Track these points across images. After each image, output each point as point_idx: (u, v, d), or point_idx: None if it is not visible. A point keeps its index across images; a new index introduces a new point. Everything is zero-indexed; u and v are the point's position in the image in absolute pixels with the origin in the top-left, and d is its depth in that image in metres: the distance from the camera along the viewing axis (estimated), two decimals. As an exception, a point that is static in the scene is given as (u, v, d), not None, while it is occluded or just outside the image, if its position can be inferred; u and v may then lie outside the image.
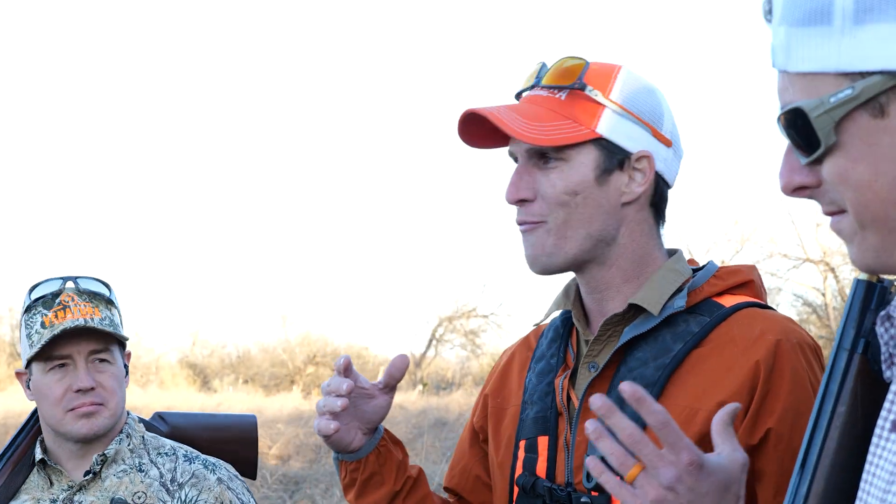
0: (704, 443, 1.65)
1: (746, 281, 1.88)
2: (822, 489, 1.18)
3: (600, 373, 1.83)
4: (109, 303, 2.57)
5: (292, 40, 39.73)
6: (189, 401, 22.67)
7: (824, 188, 1.14)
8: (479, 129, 1.89)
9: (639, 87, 1.86)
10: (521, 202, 1.85)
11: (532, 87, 1.88)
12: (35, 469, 2.56)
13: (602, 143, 1.82)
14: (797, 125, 1.11)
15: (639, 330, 1.81)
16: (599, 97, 1.82)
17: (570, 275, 1.96)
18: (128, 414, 2.64)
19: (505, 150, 1.92)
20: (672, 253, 1.93)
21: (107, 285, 2.61)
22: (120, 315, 2.60)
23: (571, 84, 1.82)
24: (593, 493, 1.79)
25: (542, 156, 1.83)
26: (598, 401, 1.41)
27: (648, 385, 1.77)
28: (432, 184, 40.99)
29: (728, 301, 1.84)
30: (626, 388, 1.42)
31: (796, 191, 1.16)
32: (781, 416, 1.74)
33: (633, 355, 1.82)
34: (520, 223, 1.86)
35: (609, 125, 1.82)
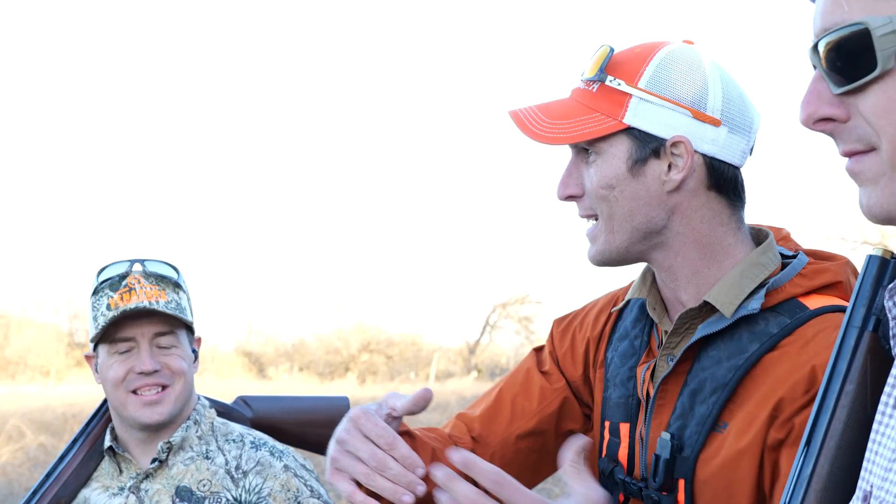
0: (756, 453, 1.64)
1: (835, 282, 1.77)
2: (826, 470, 1.15)
3: (674, 368, 1.77)
4: (177, 286, 2.53)
5: (348, 28, 39.76)
6: (245, 389, 22.77)
7: (852, 124, 1.07)
8: None
9: (677, 68, 1.78)
10: (569, 198, 1.83)
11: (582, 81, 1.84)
12: (105, 457, 2.54)
13: (633, 132, 1.76)
14: (848, 47, 1.03)
15: (711, 329, 1.74)
16: (623, 86, 1.77)
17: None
18: (199, 399, 2.61)
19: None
20: (760, 237, 1.85)
21: (175, 268, 2.57)
22: (189, 299, 2.56)
23: (593, 76, 1.79)
24: (662, 493, 1.74)
25: (585, 151, 1.81)
26: (439, 472, 1.39)
27: (719, 386, 1.70)
28: (486, 172, 40.90)
29: (813, 303, 1.74)
30: (456, 457, 1.40)
31: (819, 122, 1.08)
32: None
33: (707, 353, 1.75)
34: (583, 218, 1.84)
35: (637, 114, 1.76)
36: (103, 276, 2.53)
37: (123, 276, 2.51)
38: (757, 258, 1.78)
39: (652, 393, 1.81)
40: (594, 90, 1.79)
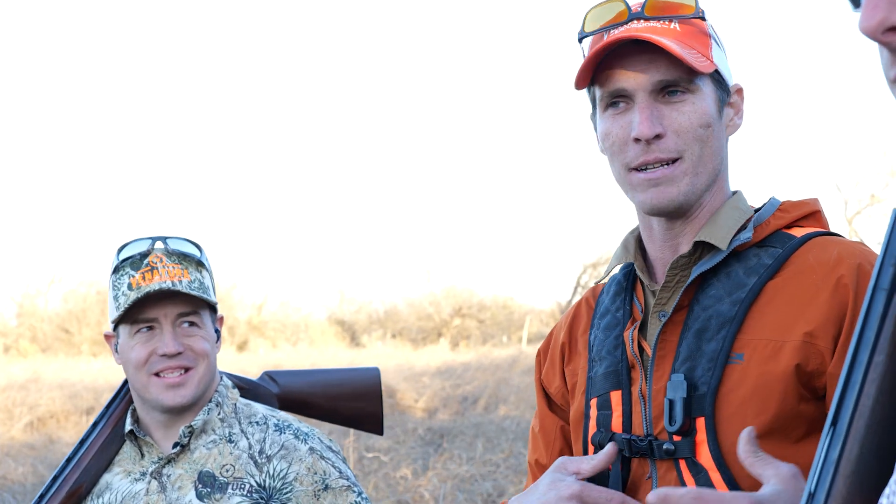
0: (791, 376, 1.65)
1: (813, 212, 1.82)
2: (856, 452, 1.01)
3: (671, 317, 1.76)
4: (200, 265, 2.45)
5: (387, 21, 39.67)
6: (336, 357, 22.97)
7: None
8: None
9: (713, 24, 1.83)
10: (655, 138, 1.75)
11: (627, 22, 1.77)
12: (127, 441, 2.47)
13: (714, 75, 1.78)
14: None
15: (707, 265, 1.75)
16: (710, 28, 1.80)
17: (628, 227, 1.91)
18: (221, 379, 2.53)
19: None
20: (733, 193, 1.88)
21: (198, 246, 2.49)
22: (211, 278, 2.49)
23: (693, 13, 1.77)
24: (676, 438, 1.71)
25: (666, 89, 1.75)
26: (653, 498, 1.37)
27: (726, 321, 1.70)
28: (572, 133, 40.60)
29: (798, 232, 1.78)
30: (652, 499, 1.37)
31: (888, 32, 0.95)
32: None
33: (705, 293, 1.75)
34: (650, 162, 1.75)
35: (717, 57, 1.79)
36: (124, 255, 2.45)
37: (145, 255, 2.43)
38: (735, 203, 1.82)
39: (649, 350, 1.79)
40: (676, 27, 1.77)
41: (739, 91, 1.84)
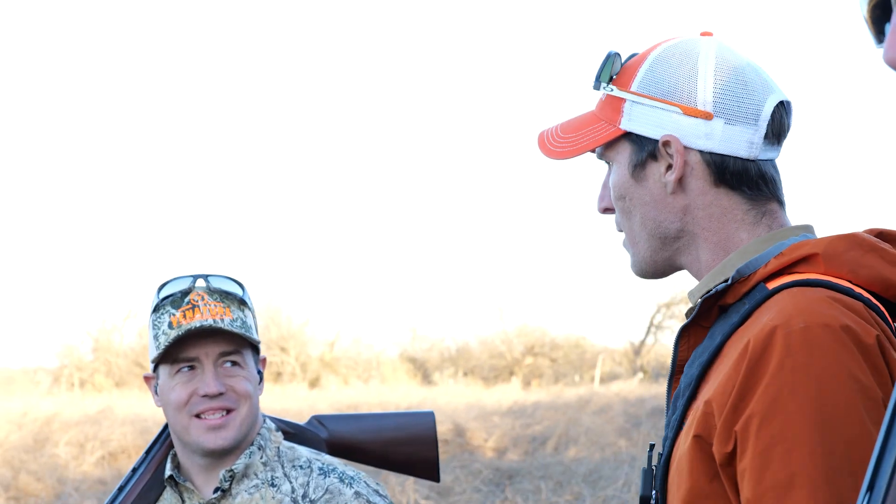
0: (695, 448, 1.51)
1: (810, 255, 1.57)
2: None
3: (675, 377, 1.70)
4: (242, 303, 2.39)
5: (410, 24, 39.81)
6: (408, 395, 22.90)
7: None
8: None
9: (667, 64, 1.70)
10: (606, 211, 1.78)
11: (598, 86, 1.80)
12: (167, 486, 2.40)
13: (631, 137, 1.71)
14: None
15: (686, 323, 1.66)
16: (616, 91, 1.72)
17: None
18: (263, 422, 2.44)
19: None
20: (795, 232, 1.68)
21: (240, 284, 2.43)
22: (254, 317, 2.42)
23: (595, 84, 1.76)
24: None
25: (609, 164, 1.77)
26: None
27: (688, 386, 1.60)
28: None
29: (777, 283, 1.57)
30: None
31: None
32: (753, 411, 1.46)
33: (694, 353, 1.65)
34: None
35: (631, 117, 1.71)
36: (164, 293, 2.39)
37: (186, 293, 2.37)
38: (753, 247, 1.65)
39: None
40: (603, 98, 1.75)
41: (670, 141, 1.67)
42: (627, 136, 1.71)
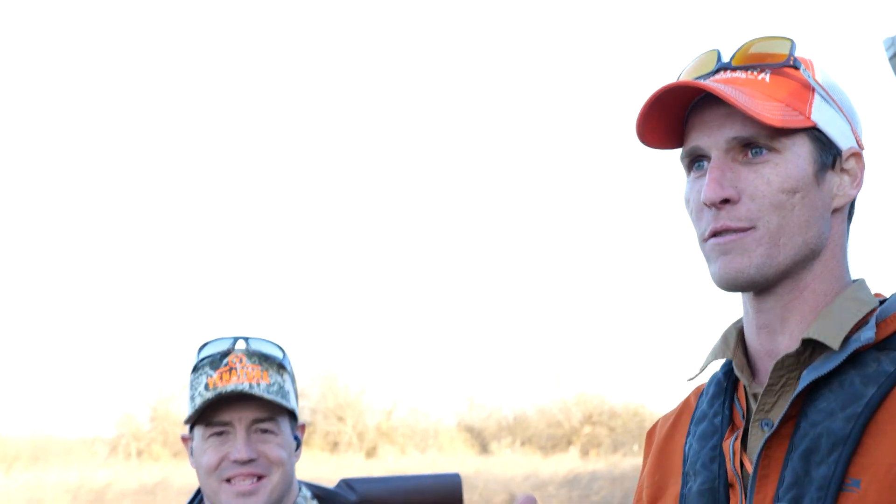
0: None
1: None
2: None
3: (776, 430, 1.51)
4: (281, 367, 2.37)
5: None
6: (465, 464, 22.73)
7: None
8: (657, 120, 1.60)
9: (833, 78, 1.60)
10: (724, 202, 1.53)
11: (715, 72, 1.59)
12: None
13: (815, 133, 1.54)
14: None
15: (820, 371, 1.48)
16: (811, 79, 1.55)
17: (732, 315, 1.66)
18: (300, 490, 2.42)
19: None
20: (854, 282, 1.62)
21: (281, 348, 2.42)
22: (293, 382, 2.41)
23: (783, 62, 1.55)
24: None
25: (746, 147, 1.54)
26: None
27: (839, 441, 1.45)
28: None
29: None
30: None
31: None
32: None
33: (814, 406, 1.49)
34: (719, 231, 1.54)
35: (821, 113, 1.55)
36: (204, 353, 2.39)
37: (225, 354, 2.36)
38: (855, 293, 1.56)
39: (749, 467, 1.54)
40: (765, 79, 1.56)
41: (856, 155, 1.58)
42: (809, 131, 1.55)
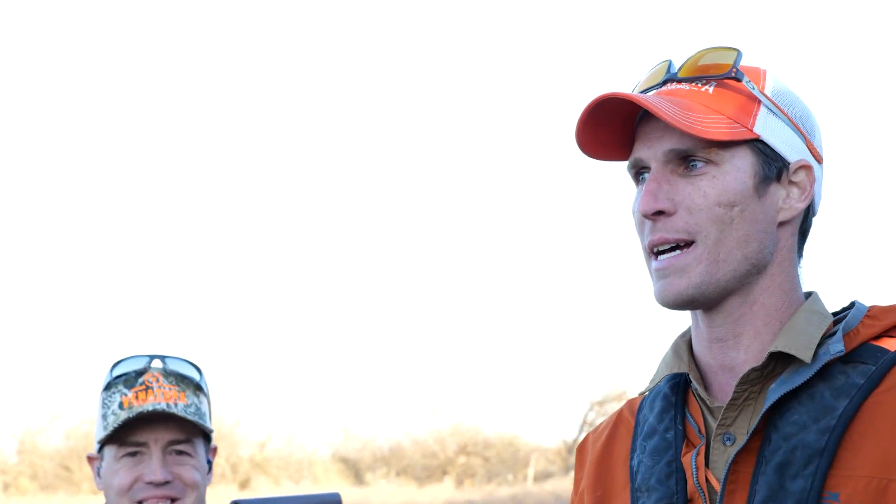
0: None
1: None
2: None
3: (745, 445, 1.50)
4: (198, 388, 2.35)
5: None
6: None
7: None
8: (599, 132, 1.59)
9: (788, 88, 1.59)
10: (658, 214, 1.53)
11: (663, 84, 1.60)
12: None
13: (759, 145, 1.53)
14: None
15: (790, 385, 1.48)
16: (756, 91, 1.54)
17: (679, 328, 1.66)
18: None
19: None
20: (807, 295, 1.62)
21: (198, 369, 2.39)
22: (209, 404, 2.38)
23: (725, 73, 1.55)
24: None
25: (684, 160, 1.53)
26: None
27: (814, 455, 1.45)
28: (577, 268, 40.65)
29: (890, 345, 1.52)
30: None
31: None
32: None
33: (785, 419, 1.48)
34: (656, 244, 1.53)
35: (766, 125, 1.53)
36: (118, 371, 2.35)
37: (141, 373, 2.33)
38: (813, 306, 1.56)
39: (716, 483, 1.53)
40: (709, 91, 1.55)
41: (806, 168, 1.56)
42: (752, 143, 1.53)
